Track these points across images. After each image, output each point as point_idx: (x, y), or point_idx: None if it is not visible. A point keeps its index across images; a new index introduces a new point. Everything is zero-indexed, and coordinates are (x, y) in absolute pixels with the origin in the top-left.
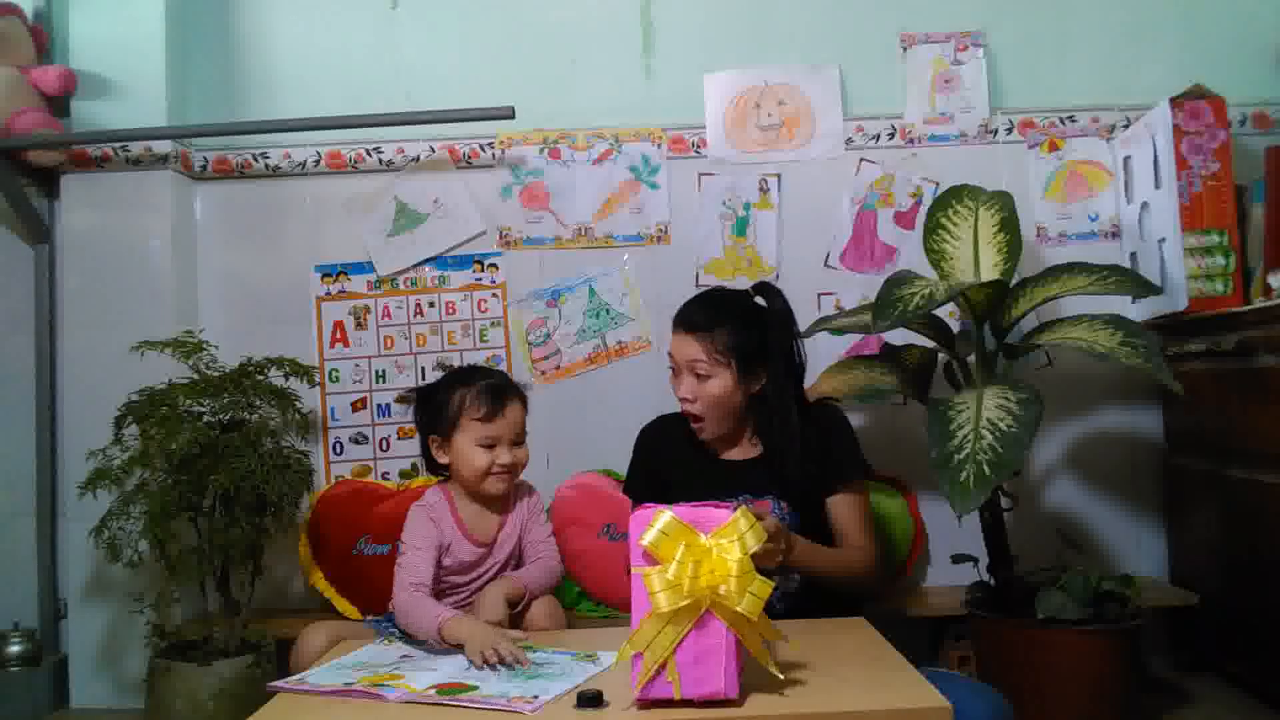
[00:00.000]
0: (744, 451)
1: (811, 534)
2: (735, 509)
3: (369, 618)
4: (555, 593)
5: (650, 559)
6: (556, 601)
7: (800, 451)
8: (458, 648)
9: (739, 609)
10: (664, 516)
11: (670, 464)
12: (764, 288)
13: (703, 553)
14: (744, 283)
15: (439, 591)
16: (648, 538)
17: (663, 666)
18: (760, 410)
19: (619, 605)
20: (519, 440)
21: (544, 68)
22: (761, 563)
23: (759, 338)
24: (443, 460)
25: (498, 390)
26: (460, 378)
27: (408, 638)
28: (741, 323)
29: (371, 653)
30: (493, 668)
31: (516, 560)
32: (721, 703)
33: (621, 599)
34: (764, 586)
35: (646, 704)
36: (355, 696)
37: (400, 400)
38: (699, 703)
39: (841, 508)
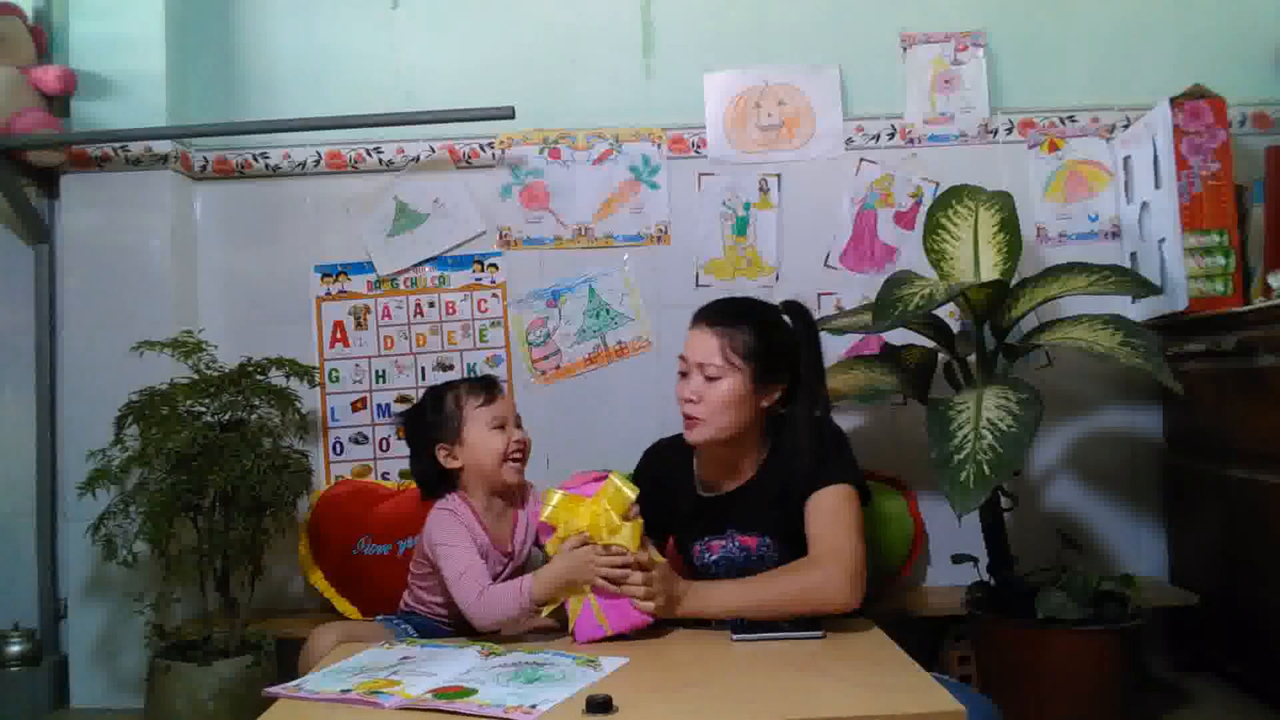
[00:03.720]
0: (738, 480)
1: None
2: (607, 476)
3: (380, 616)
4: None
5: (549, 530)
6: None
7: (786, 468)
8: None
9: (633, 546)
10: (555, 496)
11: (667, 491)
12: (794, 307)
13: (592, 515)
14: (744, 283)
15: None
16: (545, 514)
17: (587, 613)
18: (775, 431)
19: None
20: (519, 424)
21: (544, 68)
22: (656, 612)
23: (780, 350)
24: (454, 464)
25: (487, 378)
26: (440, 388)
27: (422, 636)
28: (764, 329)
29: (370, 656)
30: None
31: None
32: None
33: None
34: (636, 528)
35: (588, 643)
36: (352, 704)
37: (399, 416)
38: (630, 634)
39: (813, 510)
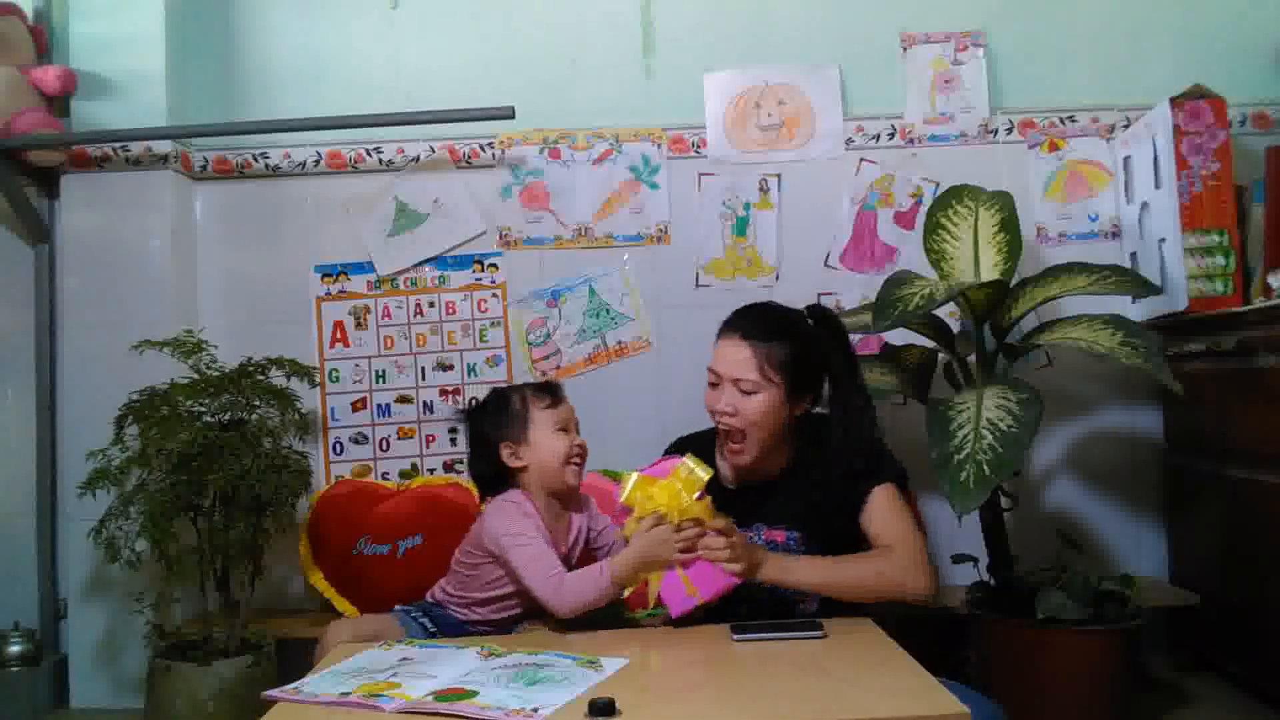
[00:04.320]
0: (764, 474)
1: None
2: (682, 459)
3: (398, 606)
4: None
5: (627, 511)
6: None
7: (827, 473)
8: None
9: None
10: (631, 478)
11: None
12: (819, 311)
13: (667, 496)
14: (744, 283)
15: (499, 599)
16: (622, 495)
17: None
18: (801, 436)
19: (623, 604)
20: (578, 428)
21: (544, 68)
22: (740, 574)
23: (813, 361)
24: (517, 464)
25: (552, 383)
26: (508, 389)
27: (439, 630)
28: (797, 341)
29: (370, 657)
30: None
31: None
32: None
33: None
34: (707, 505)
35: (683, 617)
36: (351, 707)
37: (460, 413)
38: (716, 600)
39: (870, 512)
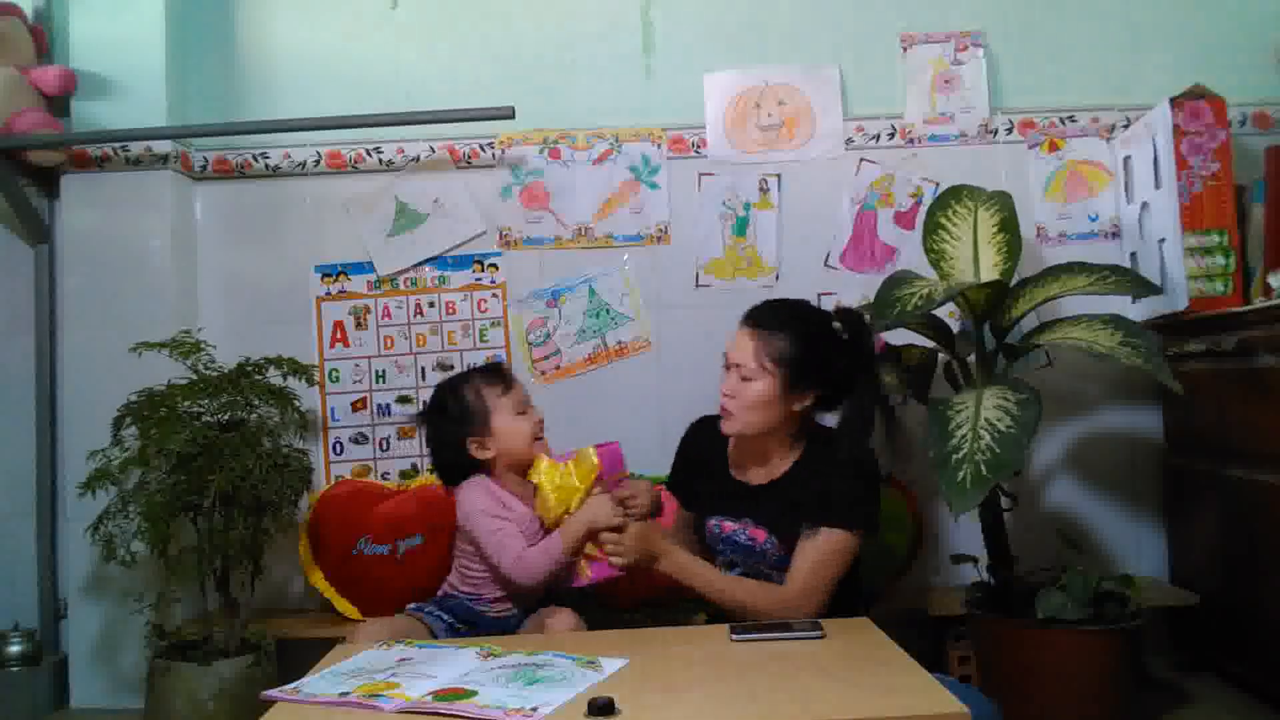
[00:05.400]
0: (768, 473)
1: None
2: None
3: (413, 605)
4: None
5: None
6: (577, 615)
7: (808, 482)
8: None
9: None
10: (543, 463)
11: (702, 463)
12: (846, 314)
13: (562, 479)
14: (744, 283)
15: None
16: (531, 474)
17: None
18: (805, 434)
19: (624, 603)
20: (531, 403)
21: (544, 67)
22: (625, 567)
23: (816, 358)
24: (486, 455)
25: (496, 367)
26: (456, 382)
27: (459, 621)
28: (803, 338)
29: (368, 658)
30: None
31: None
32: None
33: (627, 597)
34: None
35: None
36: (351, 707)
37: (418, 416)
38: (603, 582)
39: (809, 543)
